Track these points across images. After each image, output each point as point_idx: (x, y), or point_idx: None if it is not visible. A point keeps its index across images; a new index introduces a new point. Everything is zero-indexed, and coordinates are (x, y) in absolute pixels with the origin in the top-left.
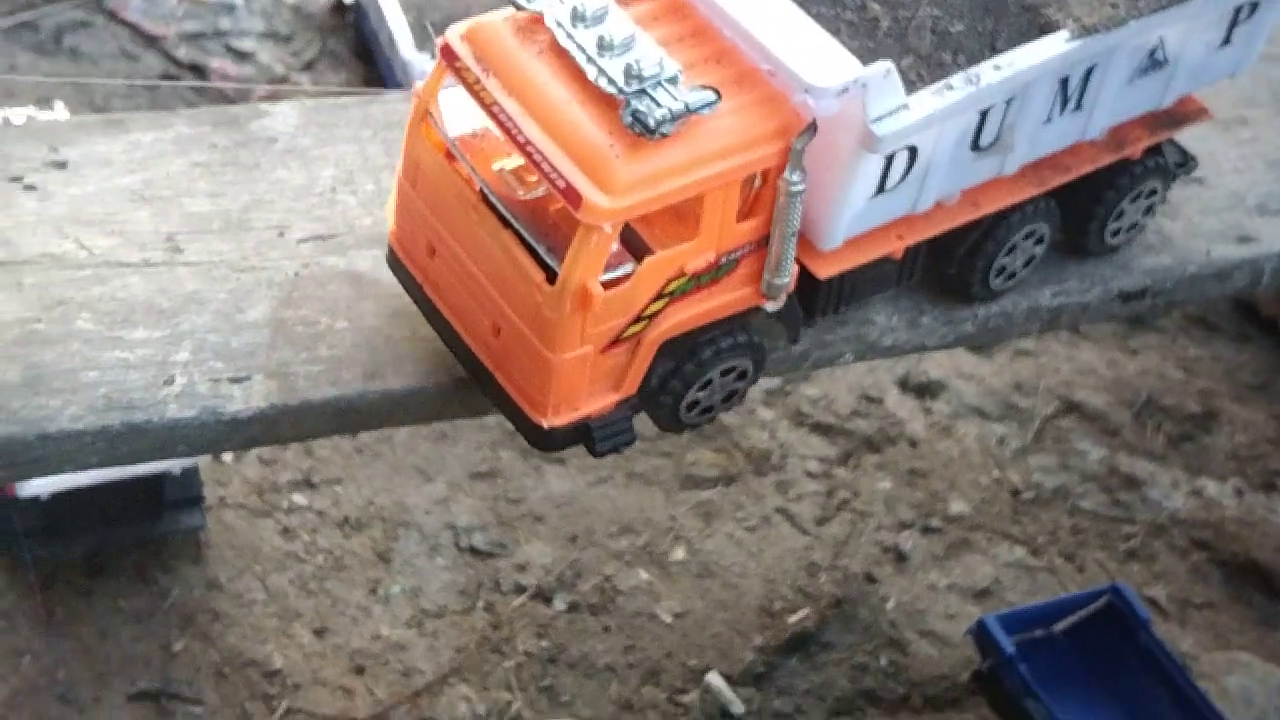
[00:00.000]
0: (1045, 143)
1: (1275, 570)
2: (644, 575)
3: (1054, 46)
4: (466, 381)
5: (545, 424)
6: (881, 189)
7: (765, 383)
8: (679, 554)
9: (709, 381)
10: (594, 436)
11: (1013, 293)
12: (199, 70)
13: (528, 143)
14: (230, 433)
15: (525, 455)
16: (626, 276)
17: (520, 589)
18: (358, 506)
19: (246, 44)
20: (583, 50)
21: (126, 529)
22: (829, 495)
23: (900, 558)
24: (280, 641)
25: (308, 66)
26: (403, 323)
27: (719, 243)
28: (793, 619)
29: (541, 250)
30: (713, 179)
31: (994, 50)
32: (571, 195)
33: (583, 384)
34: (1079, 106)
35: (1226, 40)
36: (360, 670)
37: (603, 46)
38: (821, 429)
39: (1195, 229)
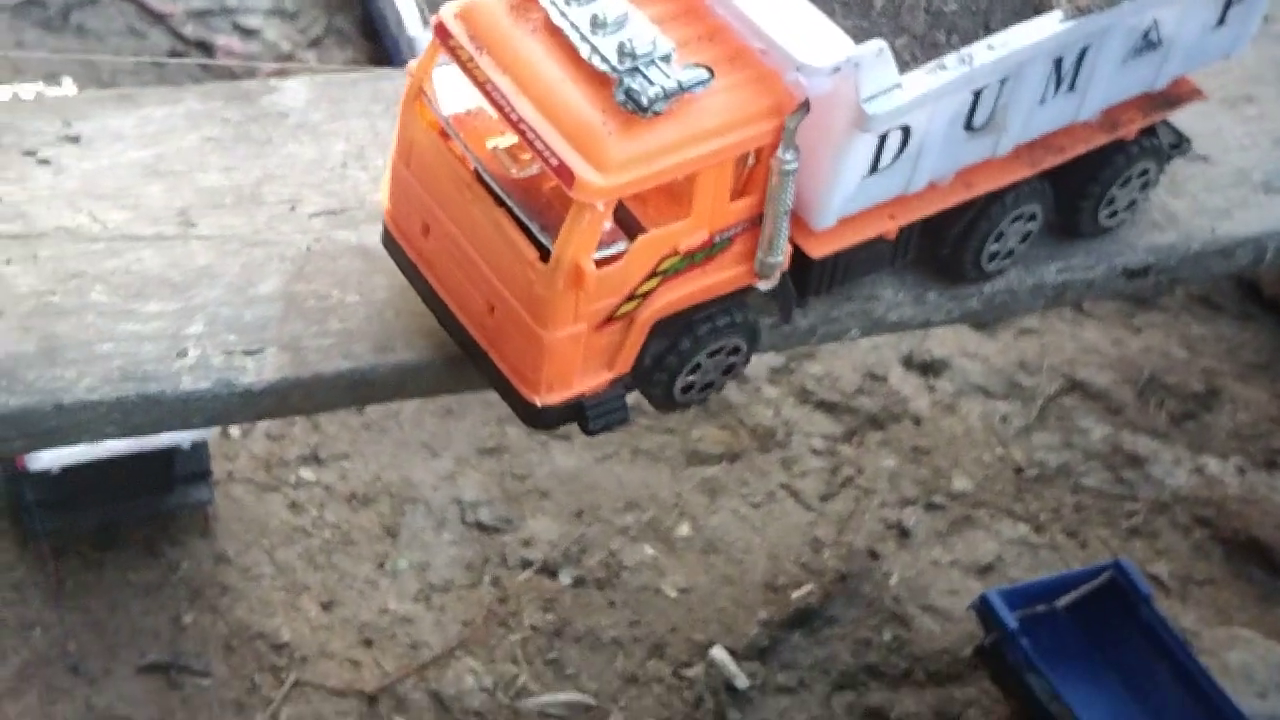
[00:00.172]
0: (1039, 123)
1: (1276, 547)
2: (649, 550)
3: (1048, 27)
4: None
5: (539, 402)
6: (875, 169)
7: (770, 360)
8: (684, 530)
9: (702, 361)
10: (587, 415)
11: (1018, 269)
12: (205, 47)
13: (521, 121)
14: (243, 404)
15: (531, 431)
16: (620, 255)
17: (526, 564)
18: (365, 481)
19: (253, 21)
20: (576, 28)
21: (136, 503)
22: (833, 472)
23: (904, 534)
24: (288, 614)
25: (314, 44)
26: (413, 297)
27: (712, 221)
28: (797, 594)
29: (535, 228)
30: (706, 157)
31: (988, 30)
32: (564, 173)
33: (576, 362)
34: (1073, 87)
35: (1221, 21)
36: (368, 643)
37: (596, 24)
38: (826, 406)
39: (1200, 206)
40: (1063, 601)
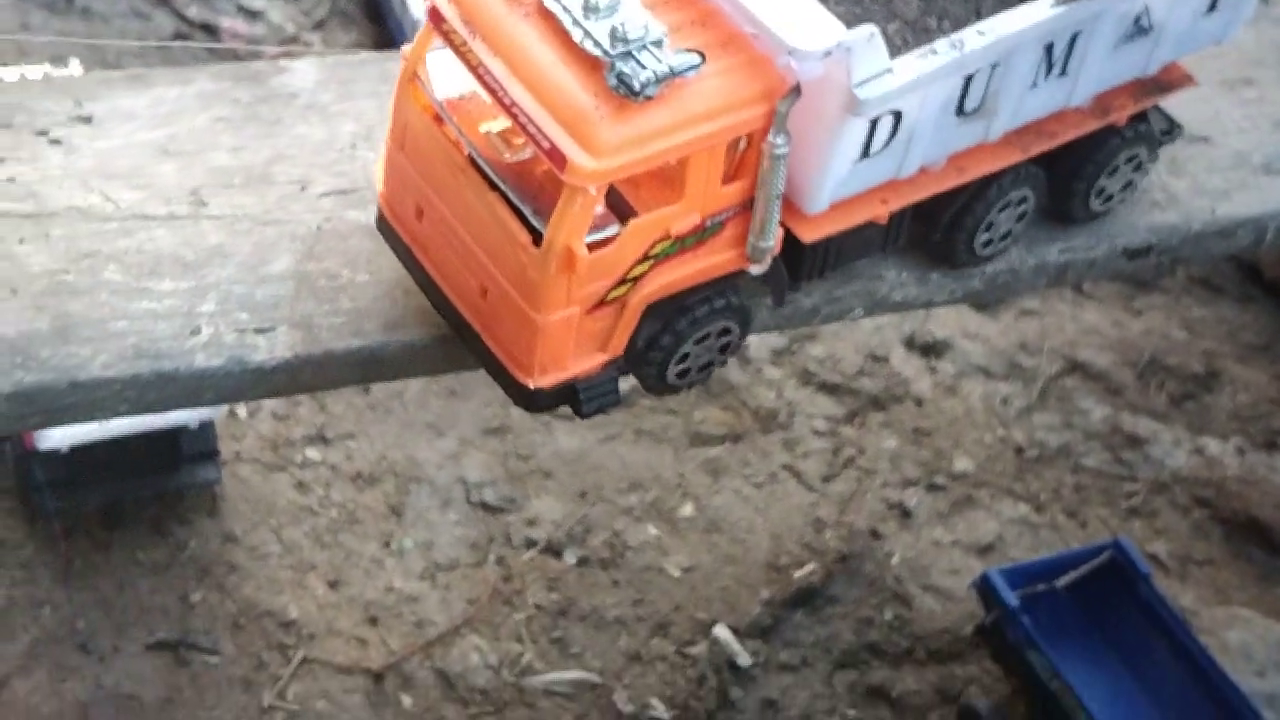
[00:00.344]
0: (1030, 109)
1: (1275, 528)
2: (652, 530)
3: (1038, 12)
4: None
5: (531, 384)
6: (866, 153)
7: (773, 342)
8: (687, 510)
9: (695, 344)
10: (580, 397)
11: (1020, 249)
12: (210, 29)
13: (513, 105)
14: (256, 381)
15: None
16: (612, 238)
17: (531, 543)
18: (370, 461)
19: (257, 2)
20: (568, 12)
21: (144, 482)
22: (835, 453)
23: (905, 514)
24: (295, 593)
25: (318, 26)
26: None
27: (704, 206)
28: (799, 573)
29: (527, 212)
30: (697, 141)
31: (979, 15)
32: (556, 157)
33: (569, 345)
34: (1064, 73)
35: (1212, 7)
36: (374, 621)
37: (588, 9)
38: (828, 388)
39: (1200, 187)
40: (1063, 580)
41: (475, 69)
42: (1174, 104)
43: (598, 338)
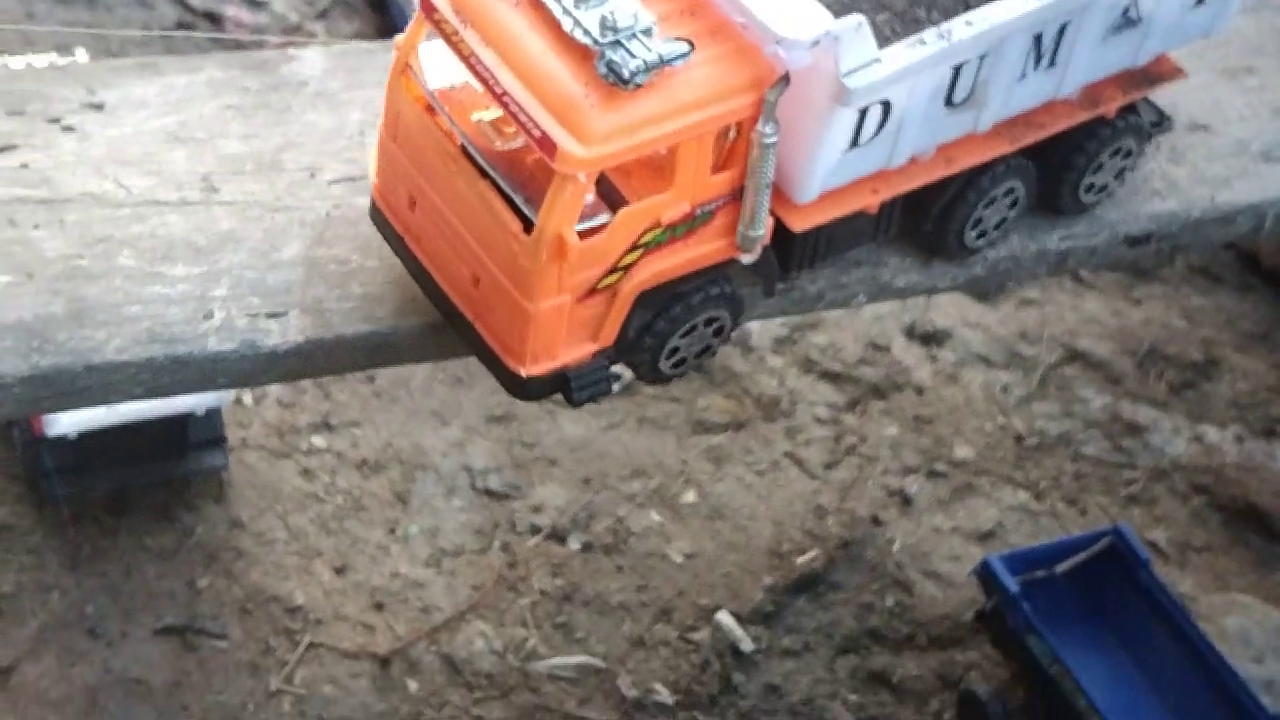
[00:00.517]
0: (1019, 100)
1: (1274, 514)
2: (655, 517)
3: (1026, 3)
4: None
5: (523, 373)
6: (856, 143)
7: (775, 331)
8: (690, 497)
9: (687, 332)
10: (571, 386)
11: (1022, 236)
12: (214, 19)
13: (504, 93)
14: (268, 365)
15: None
16: (602, 226)
17: (535, 529)
18: (376, 449)
19: None
20: (559, 2)
21: (152, 468)
22: (837, 441)
23: (906, 501)
24: (302, 579)
25: (321, 15)
26: None
27: (694, 194)
28: (801, 560)
29: (519, 200)
30: (687, 130)
31: (967, 6)
32: (547, 145)
33: (560, 333)
34: (1053, 64)
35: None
36: (380, 607)
37: None
38: (830, 376)
39: (1200, 175)
40: (1063, 566)
41: (467, 58)
42: (1175, 92)
43: (589, 326)
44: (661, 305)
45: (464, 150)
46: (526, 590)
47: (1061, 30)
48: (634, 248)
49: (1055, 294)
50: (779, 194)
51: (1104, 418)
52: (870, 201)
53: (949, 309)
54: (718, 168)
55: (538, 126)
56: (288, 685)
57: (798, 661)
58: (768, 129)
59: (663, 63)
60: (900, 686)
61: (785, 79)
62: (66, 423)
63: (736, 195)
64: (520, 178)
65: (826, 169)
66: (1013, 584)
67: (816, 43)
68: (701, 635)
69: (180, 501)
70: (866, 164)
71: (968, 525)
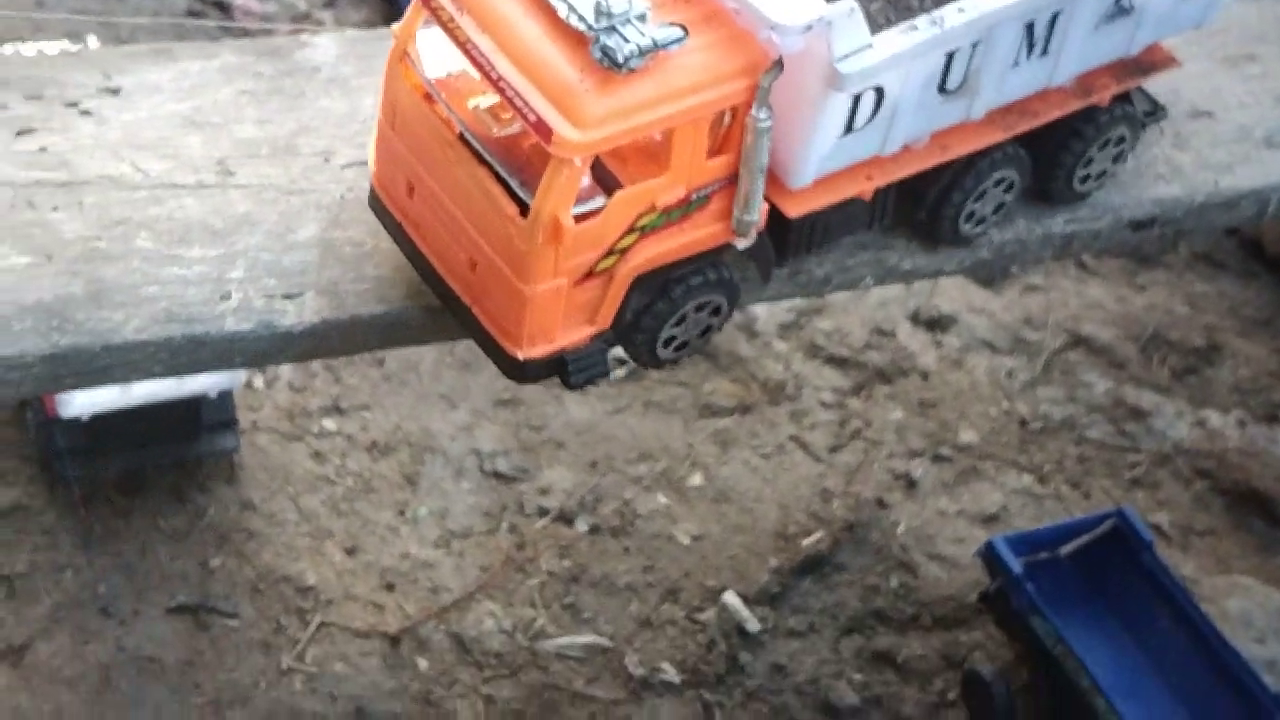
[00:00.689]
0: (1012, 88)
1: (1275, 498)
2: (662, 499)
3: None
4: None
5: (520, 355)
6: (850, 129)
7: (780, 316)
8: (696, 480)
9: (683, 317)
10: (569, 369)
11: (1027, 220)
12: (223, 7)
13: (500, 79)
14: (284, 345)
15: (547, 383)
16: (598, 210)
17: (543, 511)
18: (385, 432)
19: None
20: None
21: (164, 450)
22: (842, 425)
23: (911, 484)
24: (313, 559)
25: (329, 3)
26: None
27: (689, 179)
28: (807, 542)
29: (515, 184)
30: (681, 114)
31: None
32: (542, 129)
33: (557, 316)
34: (1045, 52)
35: None
36: (390, 587)
37: None
38: (835, 361)
39: (1204, 161)
40: (1066, 548)
41: (463, 45)
42: (1178, 79)
43: (586, 310)
44: (658, 289)
45: (461, 137)
46: (534, 571)
47: (1054, 19)
48: (630, 231)
49: (1059, 280)
50: (774, 180)
51: (1107, 402)
52: (865, 188)
53: (954, 295)
54: (713, 152)
55: (533, 111)
56: (299, 663)
57: (803, 641)
58: (761, 114)
59: (657, 48)
60: (905, 666)
61: (779, 64)
62: (79, 405)
63: (732, 180)
64: (517, 163)
65: (820, 155)
66: (1017, 565)
67: (809, 28)
68: (708, 616)
69: (192, 483)
70: (860, 150)
71: (972, 508)
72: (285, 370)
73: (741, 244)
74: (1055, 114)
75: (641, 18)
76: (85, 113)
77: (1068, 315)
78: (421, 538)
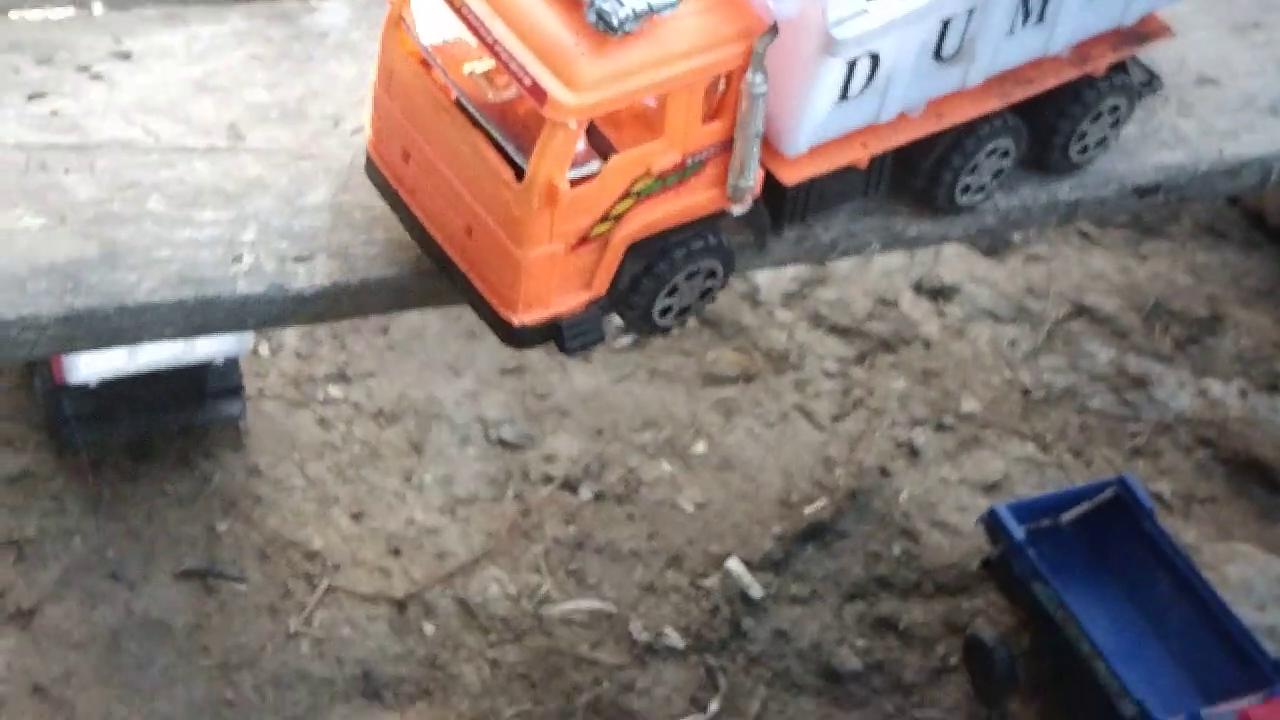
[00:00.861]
0: (1008, 56)
1: (1276, 467)
2: (666, 467)
3: None
4: None
5: (515, 321)
6: (845, 96)
7: (784, 285)
8: (700, 448)
9: (679, 283)
10: (564, 334)
11: (1032, 186)
12: None
13: (495, 42)
14: (296, 308)
15: (551, 352)
16: (593, 175)
17: (548, 479)
18: (391, 399)
19: None
20: None
21: (171, 416)
22: (845, 393)
23: (913, 453)
24: (319, 525)
25: None
26: None
27: (685, 144)
28: (809, 509)
29: (510, 149)
30: (676, 79)
31: None
32: (537, 92)
33: (552, 282)
34: (1041, 19)
35: None
36: (396, 552)
37: None
38: (838, 330)
39: (1208, 128)
40: (1068, 516)
41: (458, 9)
42: (1184, 46)
43: (582, 275)
44: (654, 255)
45: (457, 102)
46: (539, 537)
47: None
48: (625, 196)
49: (1062, 249)
50: (769, 147)
51: (1110, 372)
52: (860, 155)
53: (956, 264)
54: (708, 117)
55: (528, 75)
56: (306, 627)
57: (806, 608)
58: (756, 79)
59: (652, 11)
60: (907, 632)
61: (773, 29)
62: (86, 371)
63: (727, 146)
64: (513, 128)
65: (815, 122)
66: (1019, 532)
67: None
68: (711, 582)
69: (199, 449)
70: (856, 117)
71: (974, 476)
72: (291, 337)
73: (737, 210)
74: (1051, 82)
75: None
76: (96, 77)
77: (1070, 285)
78: (427, 504)
